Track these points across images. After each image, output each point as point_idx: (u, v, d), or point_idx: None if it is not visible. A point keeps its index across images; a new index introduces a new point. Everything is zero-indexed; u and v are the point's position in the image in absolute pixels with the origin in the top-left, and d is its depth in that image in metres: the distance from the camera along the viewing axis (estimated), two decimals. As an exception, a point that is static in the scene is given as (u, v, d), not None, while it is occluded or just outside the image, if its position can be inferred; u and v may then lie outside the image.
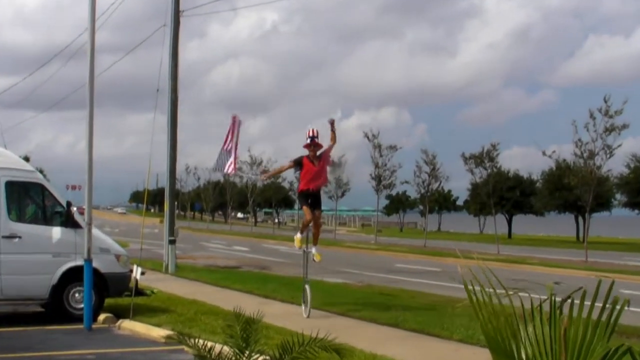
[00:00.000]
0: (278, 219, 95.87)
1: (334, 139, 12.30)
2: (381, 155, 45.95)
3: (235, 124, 16.06)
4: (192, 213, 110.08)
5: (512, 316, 2.80)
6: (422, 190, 47.38)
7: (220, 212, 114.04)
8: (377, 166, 46.18)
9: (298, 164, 12.29)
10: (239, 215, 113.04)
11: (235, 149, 15.81)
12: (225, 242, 42.86)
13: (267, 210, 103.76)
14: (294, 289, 14.32)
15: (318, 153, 12.13)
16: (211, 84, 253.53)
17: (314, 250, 12.44)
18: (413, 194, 65.82)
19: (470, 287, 2.87)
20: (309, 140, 12.07)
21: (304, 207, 12.27)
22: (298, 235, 12.60)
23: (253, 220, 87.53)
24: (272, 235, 54.08)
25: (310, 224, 12.36)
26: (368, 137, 45.66)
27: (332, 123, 12.27)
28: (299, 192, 12.86)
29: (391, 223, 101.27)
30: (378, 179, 46.44)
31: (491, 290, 2.89)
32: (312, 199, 12.17)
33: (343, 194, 57.09)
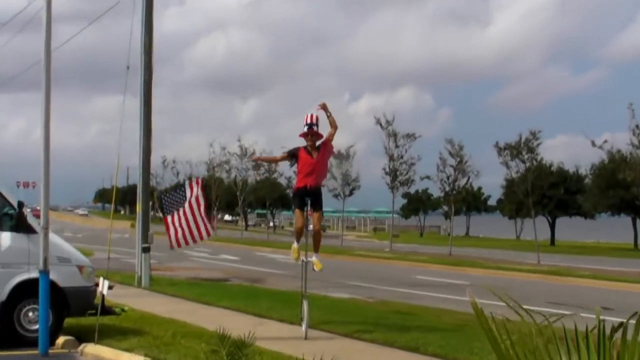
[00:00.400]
0: (273, 222, 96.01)
1: (334, 124, 12.27)
2: (397, 146, 46.04)
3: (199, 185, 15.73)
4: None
5: (552, 341, 2.77)
6: (447, 188, 47.44)
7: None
8: (392, 158, 46.24)
9: (293, 156, 12.26)
10: (227, 217, 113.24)
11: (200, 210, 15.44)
12: (210, 250, 42.87)
13: (260, 211, 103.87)
14: (292, 305, 14.37)
15: (317, 143, 12.13)
16: (192, 61, 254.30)
17: (314, 258, 12.46)
18: (436, 192, 65.69)
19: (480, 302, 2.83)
20: (306, 129, 12.07)
21: (296, 211, 12.26)
22: (295, 245, 12.61)
23: (243, 223, 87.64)
24: (266, 242, 54.16)
25: (310, 227, 12.36)
26: (381, 124, 45.76)
27: (324, 107, 12.19)
28: (294, 192, 12.82)
29: (409, 227, 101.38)
30: (393, 173, 46.47)
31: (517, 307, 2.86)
32: (311, 198, 12.17)
33: (351, 192, 57.09)
